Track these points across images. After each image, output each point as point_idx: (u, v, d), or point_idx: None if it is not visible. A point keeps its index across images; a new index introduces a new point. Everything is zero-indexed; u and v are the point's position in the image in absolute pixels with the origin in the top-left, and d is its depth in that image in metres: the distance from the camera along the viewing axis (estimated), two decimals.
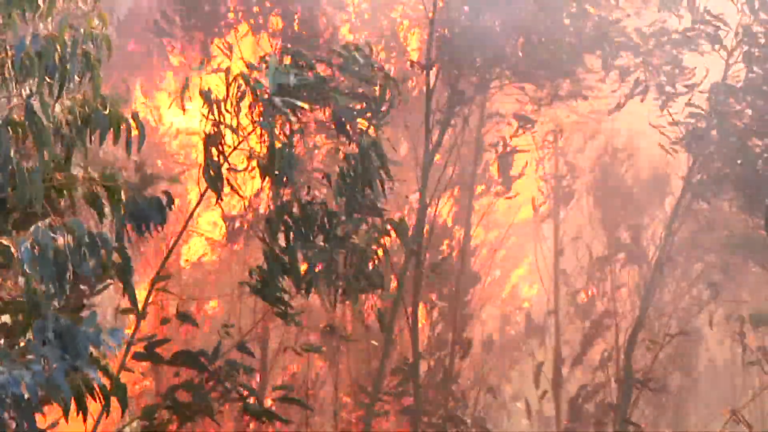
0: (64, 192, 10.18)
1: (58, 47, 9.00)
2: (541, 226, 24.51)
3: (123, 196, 10.49)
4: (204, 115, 12.55)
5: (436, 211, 21.06)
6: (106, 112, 9.65)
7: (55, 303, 10.01)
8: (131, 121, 10.11)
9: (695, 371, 24.18)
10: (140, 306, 12.68)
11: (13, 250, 9.79)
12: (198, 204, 12.86)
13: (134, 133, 10.27)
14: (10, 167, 9.27)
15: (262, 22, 20.93)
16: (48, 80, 9.12)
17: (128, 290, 10.73)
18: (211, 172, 12.46)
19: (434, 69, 19.67)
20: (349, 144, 12.68)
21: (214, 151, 12.57)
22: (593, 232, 24.57)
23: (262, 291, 13.16)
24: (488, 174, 22.96)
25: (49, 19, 9.38)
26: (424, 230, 20.10)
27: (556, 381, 23.75)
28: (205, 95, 12.55)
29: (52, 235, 9.82)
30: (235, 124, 12.59)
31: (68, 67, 9.11)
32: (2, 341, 10.40)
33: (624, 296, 23.81)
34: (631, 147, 24.48)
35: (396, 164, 13.39)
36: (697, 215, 21.38)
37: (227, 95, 12.60)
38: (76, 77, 9.36)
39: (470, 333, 22.16)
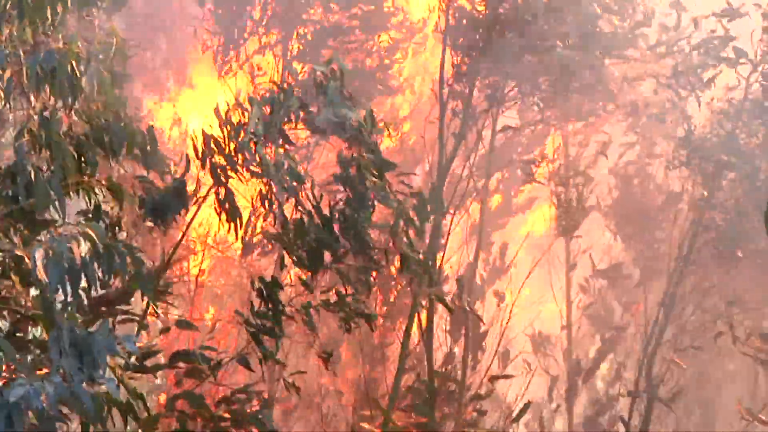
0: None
1: (73, 62, 9.10)
2: (553, 240, 24.53)
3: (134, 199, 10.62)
4: (196, 156, 12.57)
5: (451, 224, 21.02)
6: (122, 124, 9.79)
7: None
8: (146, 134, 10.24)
9: (715, 381, 24.02)
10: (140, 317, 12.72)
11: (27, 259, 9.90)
12: (195, 214, 12.86)
13: None
14: (28, 176, 9.37)
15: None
16: (61, 92, 9.20)
17: (148, 294, 10.82)
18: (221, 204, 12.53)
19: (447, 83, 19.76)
20: (349, 147, 12.75)
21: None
22: (607, 245, 24.59)
23: (256, 325, 13.20)
24: (501, 189, 23.04)
25: (60, 35, 9.48)
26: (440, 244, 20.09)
27: (570, 394, 23.73)
28: (206, 140, 12.52)
29: (68, 244, 9.92)
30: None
31: (83, 81, 9.20)
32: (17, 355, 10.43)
33: (639, 310, 23.78)
34: (645, 160, 24.49)
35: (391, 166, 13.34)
36: (713, 229, 21.22)
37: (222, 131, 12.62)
38: (88, 89, 9.46)
39: (482, 346, 22.13)
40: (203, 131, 12.56)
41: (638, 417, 21.05)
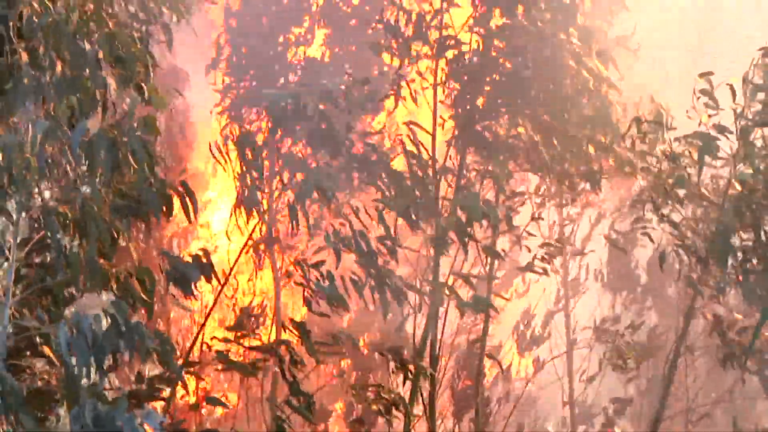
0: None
1: (114, 135, 9.19)
2: (553, 317, 24.57)
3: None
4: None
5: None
6: (155, 189, 9.93)
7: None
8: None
9: None
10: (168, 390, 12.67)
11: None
12: (227, 278, 12.95)
13: None
14: (60, 253, 9.42)
15: None
16: (100, 168, 9.28)
17: (173, 369, 10.81)
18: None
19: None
20: None
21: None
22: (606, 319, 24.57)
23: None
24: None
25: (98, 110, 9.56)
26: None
27: None
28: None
29: (91, 322, 9.91)
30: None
31: (119, 157, 9.30)
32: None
33: (640, 385, 23.75)
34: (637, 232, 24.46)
35: None
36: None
37: None
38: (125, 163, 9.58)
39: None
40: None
41: None
